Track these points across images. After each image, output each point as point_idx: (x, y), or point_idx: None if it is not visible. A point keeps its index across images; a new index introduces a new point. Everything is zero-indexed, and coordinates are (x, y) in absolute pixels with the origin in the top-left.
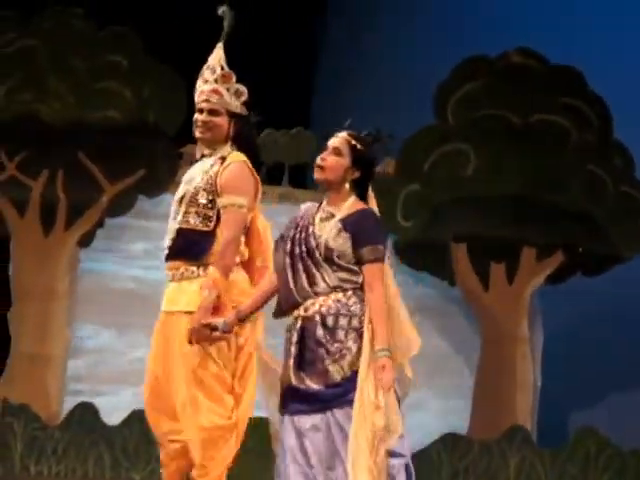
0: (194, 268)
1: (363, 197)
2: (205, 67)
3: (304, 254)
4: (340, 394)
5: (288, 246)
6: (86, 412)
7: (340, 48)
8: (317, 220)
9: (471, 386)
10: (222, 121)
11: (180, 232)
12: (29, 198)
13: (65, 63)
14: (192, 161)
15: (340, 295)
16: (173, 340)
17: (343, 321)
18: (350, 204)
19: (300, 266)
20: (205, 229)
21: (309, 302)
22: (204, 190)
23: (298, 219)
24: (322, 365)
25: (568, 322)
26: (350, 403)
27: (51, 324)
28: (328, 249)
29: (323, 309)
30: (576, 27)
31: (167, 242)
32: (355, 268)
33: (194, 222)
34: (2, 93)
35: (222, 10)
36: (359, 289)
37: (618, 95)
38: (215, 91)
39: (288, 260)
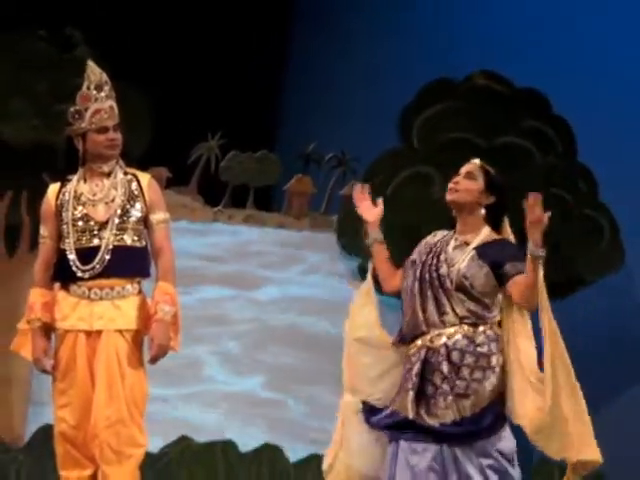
0: (129, 286)
1: (497, 227)
2: (86, 86)
3: (435, 281)
4: (460, 433)
5: (418, 271)
6: (50, 435)
7: (306, 71)
8: (450, 248)
9: None
10: (121, 136)
11: (116, 250)
12: None
13: (29, 85)
14: (81, 179)
15: (468, 329)
16: (110, 358)
17: (470, 359)
18: (486, 234)
19: (429, 293)
20: (140, 245)
21: (435, 332)
22: (132, 207)
23: (432, 245)
24: (444, 402)
25: None
26: (470, 444)
27: None
28: (461, 277)
29: (450, 342)
30: (541, 50)
31: (96, 261)
32: (487, 301)
33: (130, 239)
34: None
35: (69, 29)
36: (491, 327)
37: (582, 118)
38: (112, 108)
39: (417, 286)
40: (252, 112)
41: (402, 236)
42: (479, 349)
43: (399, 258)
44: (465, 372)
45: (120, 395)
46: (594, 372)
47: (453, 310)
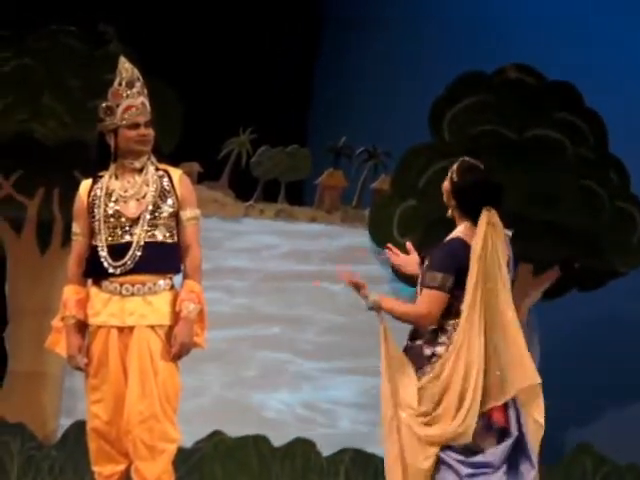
0: (161, 281)
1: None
2: (117, 82)
3: None
4: None
5: None
6: (82, 431)
7: (336, 65)
8: None
9: None
10: (153, 132)
11: (147, 246)
12: (25, 217)
13: (60, 82)
14: (112, 176)
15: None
16: (143, 354)
17: (411, 358)
18: (452, 234)
19: None
20: (172, 242)
21: None
22: (164, 203)
23: None
24: None
25: (564, 338)
26: None
27: None
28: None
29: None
30: (574, 43)
31: (127, 257)
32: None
33: (162, 235)
34: None
35: (102, 25)
36: (441, 328)
37: (614, 110)
38: (144, 104)
39: None
40: (283, 107)
41: (434, 230)
42: (423, 350)
43: (426, 249)
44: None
45: (153, 391)
46: (628, 362)
47: None
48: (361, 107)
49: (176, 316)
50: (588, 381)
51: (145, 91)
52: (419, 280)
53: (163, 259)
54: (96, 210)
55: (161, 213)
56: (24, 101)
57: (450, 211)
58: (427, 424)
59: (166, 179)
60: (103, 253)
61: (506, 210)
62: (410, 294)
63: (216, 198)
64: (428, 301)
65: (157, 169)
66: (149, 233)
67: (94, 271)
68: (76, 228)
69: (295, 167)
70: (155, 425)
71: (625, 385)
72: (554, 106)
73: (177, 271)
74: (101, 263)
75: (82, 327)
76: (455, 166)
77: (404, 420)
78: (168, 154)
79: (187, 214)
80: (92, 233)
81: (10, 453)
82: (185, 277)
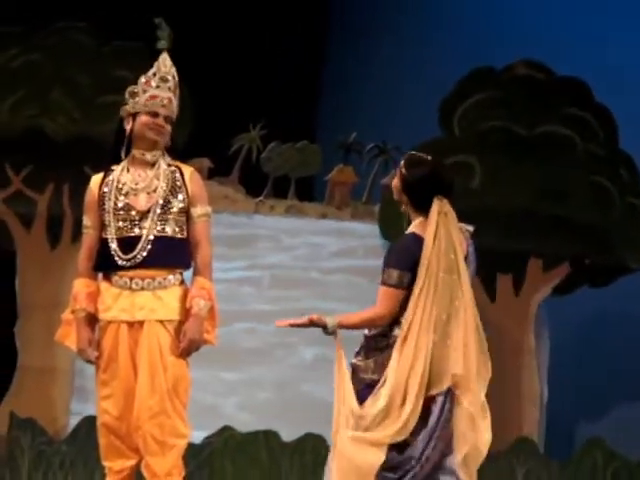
0: (171, 276)
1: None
2: (152, 73)
3: None
4: None
5: None
6: (93, 426)
7: (345, 61)
8: None
9: None
10: (170, 129)
11: (157, 240)
12: (35, 212)
13: (69, 77)
14: (124, 169)
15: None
16: (152, 349)
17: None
18: (409, 228)
19: None
20: (182, 237)
21: None
22: (174, 198)
23: None
24: None
25: (574, 333)
26: None
27: None
28: None
29: None
30: (582, 39)
31: (137, 250)
32: None
33: (171, 230)
34: (7, 108)
35: (158, 21)
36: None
37: (624, 106)
38: (170, 99)
39: None
40: (293, 103)
41: None
42: (377, 343)
43: None
44: None
45: (162, 386)
46: (638, 357)
47: None
48: (372, 102)
49: (186, 312)
50: (599, 376)
51: (177, 92)
52: None
53: (172, 254)
54: (106, 203)
55: (171, 208)
56: (33, 97)
57: (404, 207)
58: (373, 427)
59: (177, 175)
60: (113, 245)
61: (516, 205)
62: None
63: (227, 194)
64: (386, 299)
65: (169, 165)
66: (159, 227)
67: (104, 264)
68: (87, 221)
69: (305, 163)
70: (165, 420)
71: (636, 380)
72: (564, 102)
73: (187, 267)
74: (111, 256)
75: (92, 320)
76: (402, 161)
77: (352, 436)
78: (179, 149)
79: (198, 211)
80: (102, 226)
81: (21, 448)
82: (195, 274)
